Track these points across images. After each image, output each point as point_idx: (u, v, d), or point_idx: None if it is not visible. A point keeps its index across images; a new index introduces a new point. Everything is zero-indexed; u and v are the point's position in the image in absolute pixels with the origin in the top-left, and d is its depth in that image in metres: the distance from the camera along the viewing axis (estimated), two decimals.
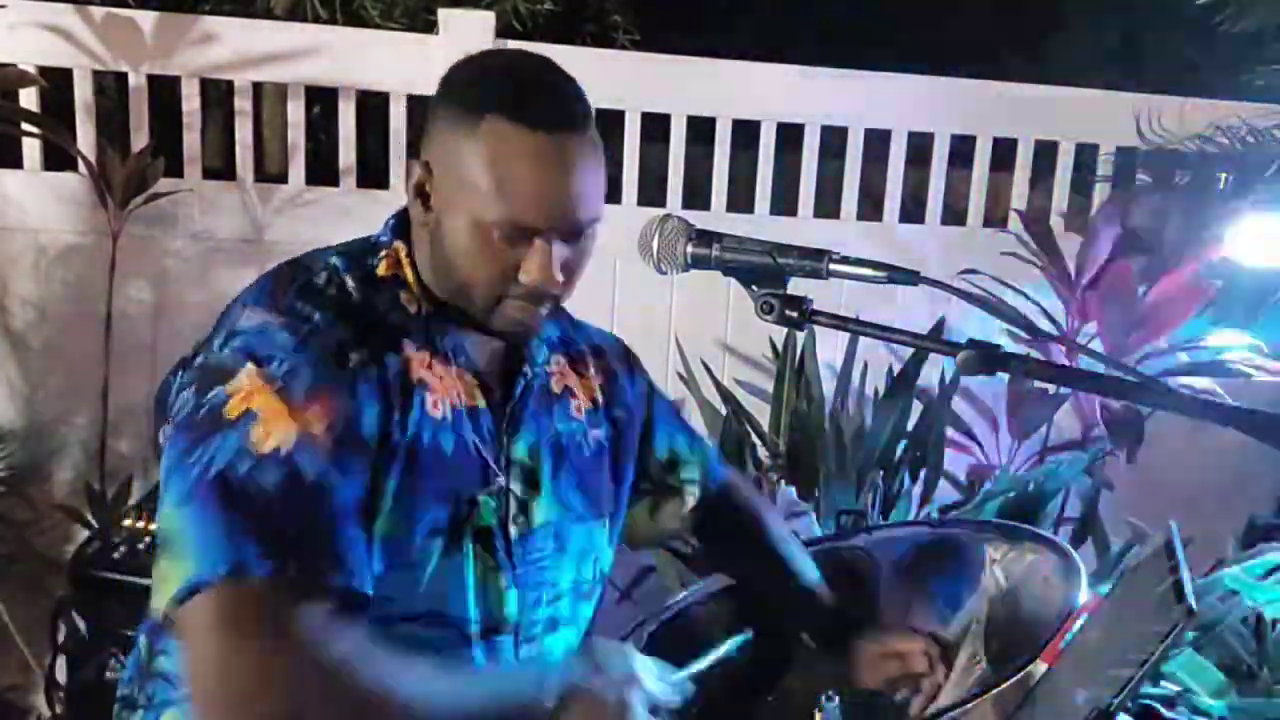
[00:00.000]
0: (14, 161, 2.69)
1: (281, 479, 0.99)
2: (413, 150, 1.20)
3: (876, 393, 2.71)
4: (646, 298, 2.87)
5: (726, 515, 1.49)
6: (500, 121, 1.08)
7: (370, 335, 1.11)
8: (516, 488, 1.20)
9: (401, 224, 1.20)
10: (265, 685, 0.92)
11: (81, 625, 2.28)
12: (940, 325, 2.83)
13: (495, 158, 1.08)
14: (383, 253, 1.18)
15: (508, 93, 1.10)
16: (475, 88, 1.12)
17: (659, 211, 1.13)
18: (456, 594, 1.14)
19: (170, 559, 0.97)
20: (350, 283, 1.14)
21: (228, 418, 1.02)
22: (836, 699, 1.14)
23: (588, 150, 1.11)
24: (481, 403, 1.18)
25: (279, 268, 1.17)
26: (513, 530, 1.19)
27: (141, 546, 2.25)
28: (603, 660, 1.09)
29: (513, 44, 2.80)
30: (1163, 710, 1.20)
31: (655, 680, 1.11)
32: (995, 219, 3.14)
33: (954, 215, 3.20)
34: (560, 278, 1.12)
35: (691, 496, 1.46)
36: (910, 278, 0.99)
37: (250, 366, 1.04)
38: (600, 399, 1.32)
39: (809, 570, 1.46)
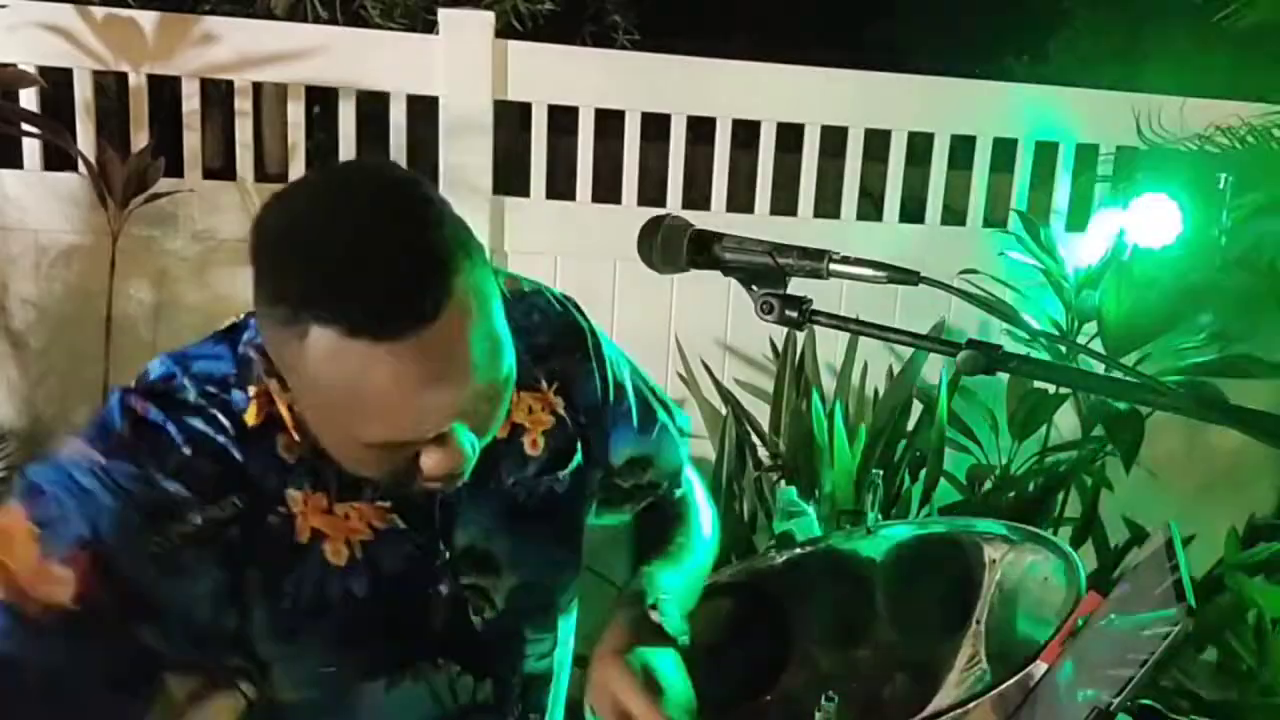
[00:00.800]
0: (14, 161, 2.69)
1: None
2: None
3: (876, 393, 2.71)
4: (646, 298, 2.87)
5: (647, 522, 1.34)
6: (330, 334, 0.83)
7: (237, 488, 0.95)
8: (471, 578, 1.08)
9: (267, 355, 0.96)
10: None
11: None
12: (940, 325, 2.83)
13: (341, 378, 0.84)
14: (250, 390, 0.97)
15: (329, 293, 0.83)
16: (288, 283, 0.85)
17: (659, 211, 1.13)
18: (420, 710, 1.07)
19: None
20: (211, 433, 0.95)
21: None
22: (836, 699, 1.14)
23: (456, 329, 0.86)
24: (399, 523, 1.03)
25: (129, 395, 0.96)
26: (478, 622, 1.10)
27: None
28: None
29: (514, 44, 2.80)
30: (1163, 710, 1.20)
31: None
32: (995, 219, 3.14)
33: (954, 215, 3.20)
34: (473, 453, 0.94)
35: (645, 502, 1.34)
36: (910, 278, 0.99)
37: (22, 502, 0.89)
38: (559, 408, 1.16)
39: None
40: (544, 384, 1.16)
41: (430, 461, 0.92)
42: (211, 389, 0.97)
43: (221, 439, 0.95)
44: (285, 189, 0.92)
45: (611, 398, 1.21)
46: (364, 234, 0.85)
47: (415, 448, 0.92)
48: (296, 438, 0.98)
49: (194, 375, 0.98)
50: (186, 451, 0.93)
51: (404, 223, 0.86)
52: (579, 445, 1.18)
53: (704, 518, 1.38)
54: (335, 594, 1.01)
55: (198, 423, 0.95)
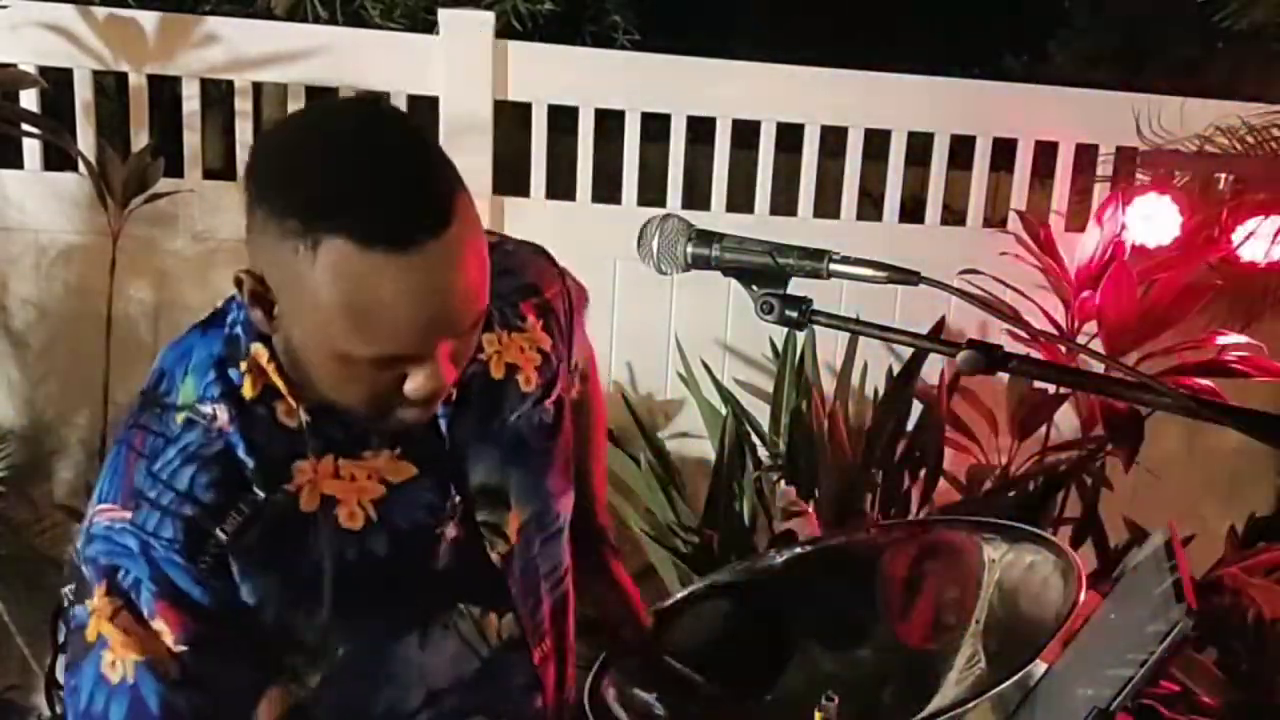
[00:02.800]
0: (14, 161, 2.69)
1: (126, 712, 0.96)
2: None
3: (876, 393, 2.71)
4: (646, 298, 2.87)
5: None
6: (342, 244, 0.87)
7: (246, 484, 0.99)
8: (484, 514, 1.13)
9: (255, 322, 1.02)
10: None
11: None
12: (940, 325, 2.83)
13: (345, 288, 0.89)
14: (243, 364, 1.02)
15: (344, 204, 0.88)
16: (300, 194, 0.90)
17: (659, 211, 1.13)
18: (451, 663, 1.10)
19: None
20: (215, 420, 1.00)
21: (88, 641, 0.97)
22: (836, 699, 1.14)
23: (455, 250, 0.92)
24: (413, 469, 1.07)
25: (129, 432, 1.02)
26: (495, 556, 1.13)
27: None
28: None
29: (514, 44, 2.80)
30: (1163, 710, 1.20)
31: None
32: (995, 219, 3.14)
33: (954, 215, 3.20)
34: (452, 381, 1.00)
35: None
36: (910, 278, 0.99)
37: (100, 585, 0.97)
38: (544, 345, 1.22)
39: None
40: (530, 321, 1.21)
41: (414, 384, 0.96)
42: (210, 378, 1.02)
43: (221, 445, 0.99)
44: (282, 120, 1.02)
45: (572, 331, 1.30)
46: (376, 152, 0.91)
47: (403, 368, 0.95)
48: (293, 403, 1.01)
49: (191, 369, 1.03)
50: (190, 471, 0.98)
51: (409, 145, 0.94)
52: (559, 373, 1.24)
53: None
54: (355, 558, 1.03)
55: (192, 436, 1.00)
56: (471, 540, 1.12)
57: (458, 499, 1.11)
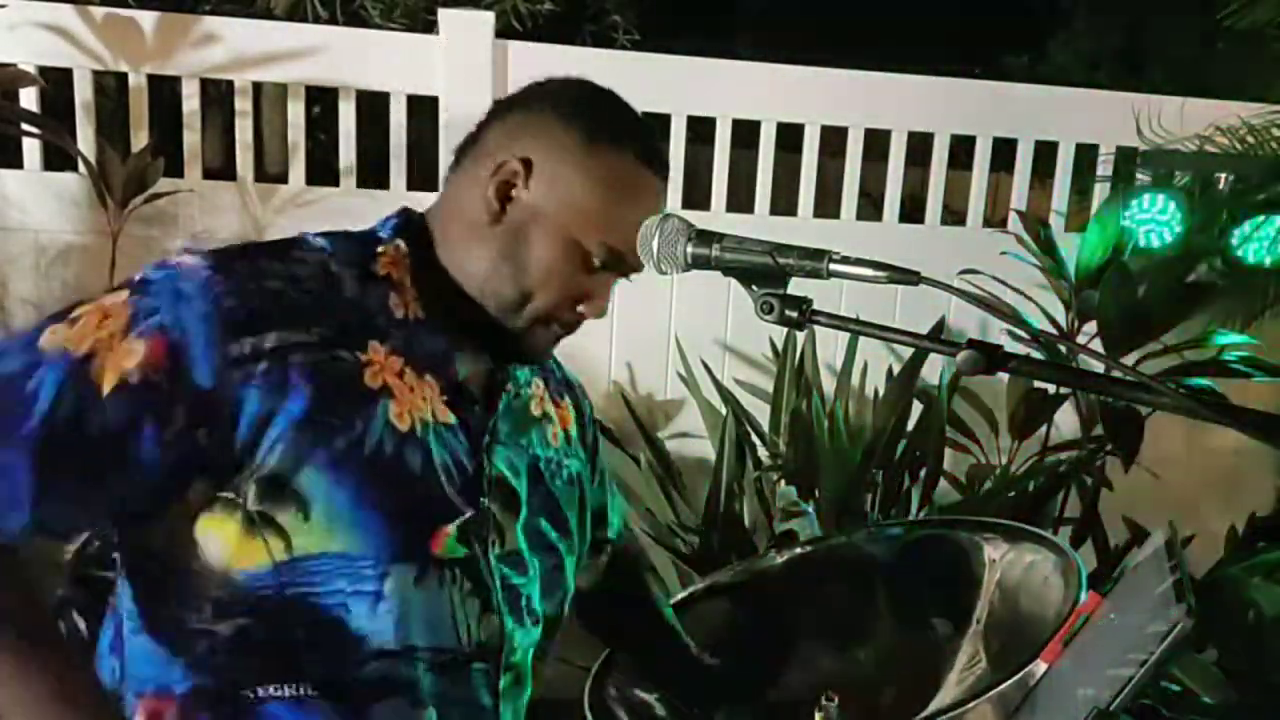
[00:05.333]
0: (14, 161, 2.69)
1: (15, 370, 0.96)
2: (473, 148, 1.18)
3: (876, 393, 2.72)
4: (646, 298, 2.87)
5: (623, 571, 1.47)
6: (630, 157, 1.14)
7: (326, 324, 1.04)
8: (495, 508, 1.14)
9: (407, 224, 1.16)
10: None
11: (81, 625, 2.28)
12: (940, 325, 2.83)
13: (620, 188, 1.13)
14: (380, 249, 1.13)
15: (638, 132, 1.18)
16: (605, 116, 1.17)
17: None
18: (431, 623, 1.08)
19: None
20: (333, 267, 1.09)
21: (65, 313, 1.01)
22: (836, 699, 1.14)
23: (663, 191, 1.19)
24: (453, 419, 1.12)
25: (248, 245, 1.13)
26: (491, 553, 1.13)
27: None
28: None
29: (514, 44, 2.80)
30: (1163, 710, 1.20)
31: None
32: (995, 219, 3.14)
33: (954, 215, 3.20)
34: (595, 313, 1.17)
35: (605, 554, 1.44)
36: (910, 278, 0.99)
37: (125, 292, 1.01)
38: (573, 432, 1.31)
39: (680, 631, 1.44)
40: (566, 402, 1.32)
41: (599, 295, 1.15)
42: (345, 246, 1.12)
43: (317, 285, 1.07)
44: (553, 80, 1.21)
45: (595, 450, 1.39)
46: (637, 114, 1.24)
47: (594, 282, 1.14)
48: (409, 297, 1.11)
49: (334, 236, 1.13)
50: (278, 283, 1.04)
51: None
52: (580, 464, 1.31)
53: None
54: (391, 455, 1.06)
55: (300, 269, 1.07)
56: (484, 521, 1.13)
57: (489, 476, 1.14)
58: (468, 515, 1.10)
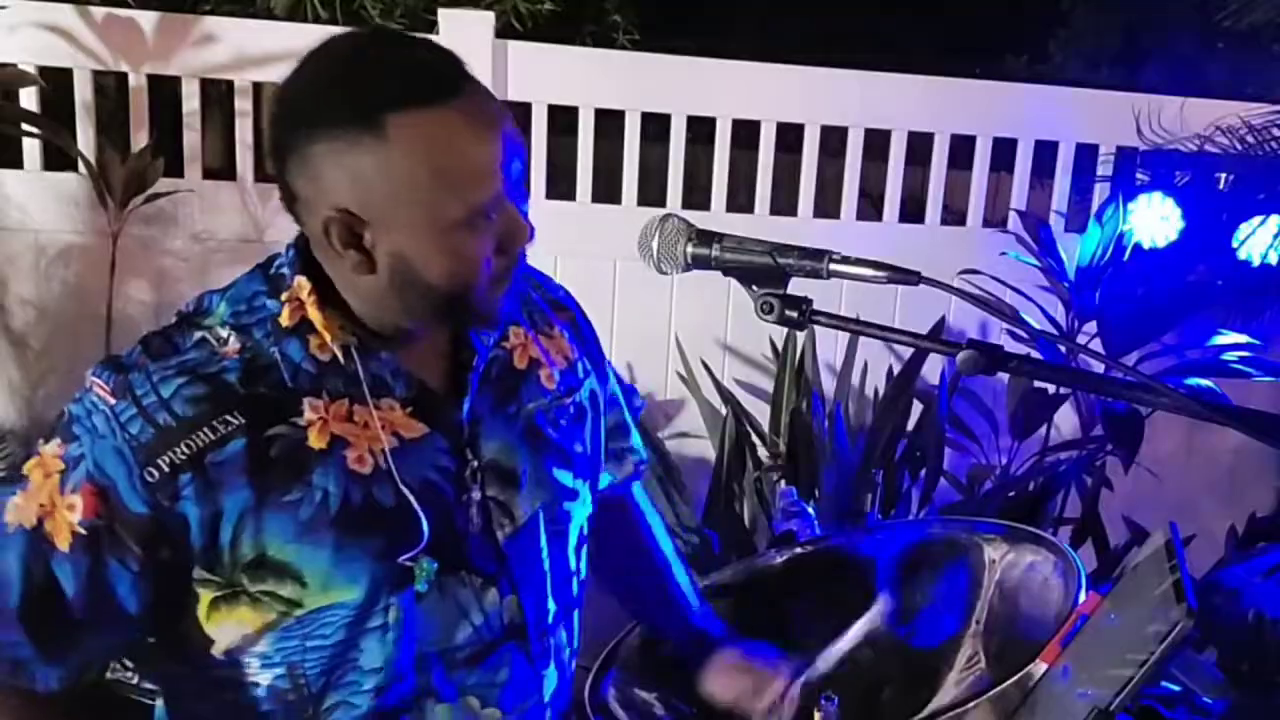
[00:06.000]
0: (14, 161, 2.69)
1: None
2: (295, 213, 1.08)
3: (876, 393, 2.71)
4: (646, 298, 2.87)
5: (629, 508, 1.47)
6: (406, 115, 0.97)
7: (243, 409, 1.02)
8: (494, 491, 1.14)
9: (304, 256, 1.09)
10: None
11: None
12: (940, 325, 2.83)
13: (427, 150, 0.98)
14: (283, 295, 1.07)
15: (392, 81, 0.98)
16: (348, 96, 0.99)
17: (659, 211, 1.13)
18: (446, 629, 1.10)
19: None
20: (233, 343, 1.04)
21: (19, 473, 1.04)
22: (836, 699, 1.14)
23: (491, 98, 1.04)
24: (423, 429, 1.09)
25: (152, 335, 1.07)
26: (500, 535, 1.13)
27: None
28: None
29: (514, 44, 2.80)
30: (1163, 710, 1.20)
31: None
32: (995, 219, 3.14)
33: (954, 215, 3.20)
34: (529, 224, 1.07)
35: (630, 464, 1.43)
36: (910, 278, 0.99)
37: (56, 442, 1.03)
38: (572, 353, 1.26)
39: (682, 574, 1.45)
40: (558, 331, 1.26)
41: (513, 231, 1.05)
42: (242, 307, 1.07)
43: (217, 367, 1.03)
44: (283, 83, 1.05)
45: (601, 360, 1.34)
46: (378, 39, 1.08)
47: (490, 230, 1.03)
48: (327, 336, 1.06)
49: (232, 298, 1.08)
50: (178, 382, 1.02)
51: (411, 35, 1.09)
52: (583, 385, 1.28)
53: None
54: (359, 503, 1.05)
55: (195, 354, 1.04)
56: (480, 513, 1.13)
57: (475, 464, 1.13)
58: (460, 527, 1.11)
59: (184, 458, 1.00)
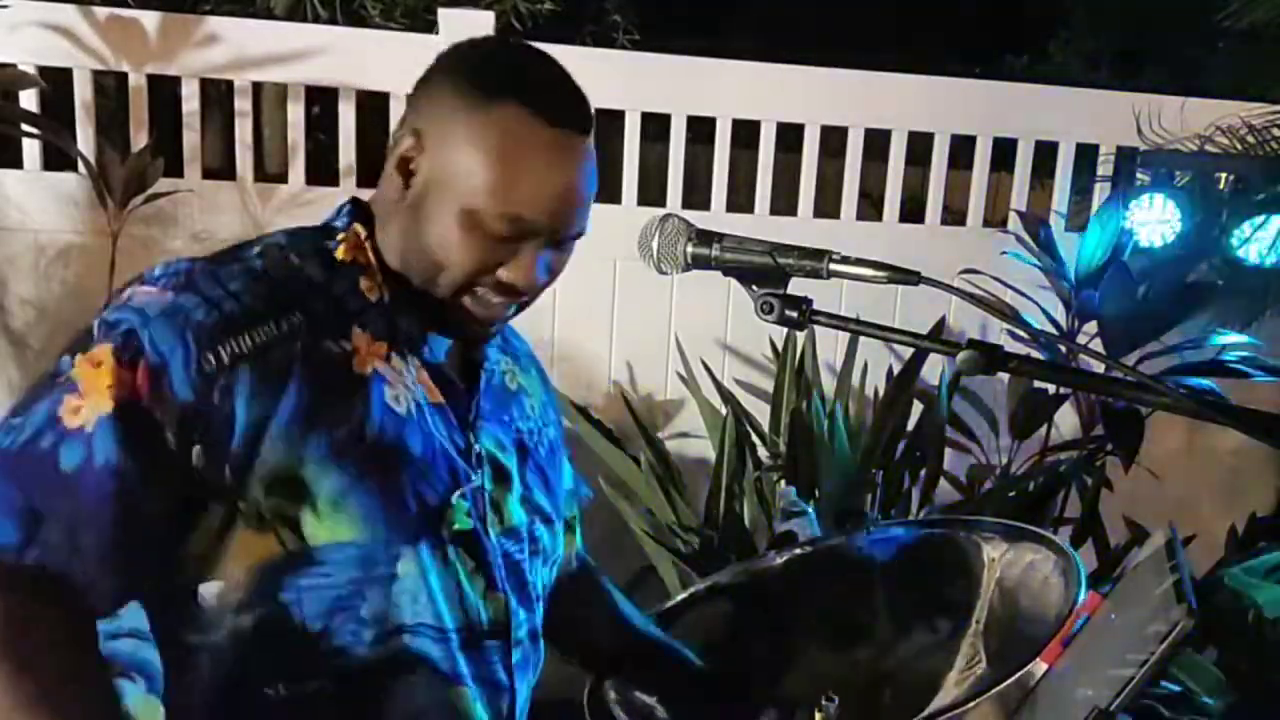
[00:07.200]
0: (14, 161, 2.69)
1: (81, 462, 0.94)
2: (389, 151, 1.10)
3: (876, 393, 2.72)
4: (646, 298, 2.87)
5: (584, 579, 1.41)
6: (516, 109, 1.03)
7: (303, 314, 1.02)
8: (489, 484, 1.14)
9: (359, 210, 1.14)
10: None
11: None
12: (940, 325, 2.83)
13: (506, 146, 1.03)
14: (339, 236, 1.11)
15: (527, 81, 1.06)
16: (491, 69, 1.07)
17: (659, 211, 1.13)
18: (439, 602, 1.08)
19: None
20: (294, 259, 1.07)
21: (55, 383, 0.97)
22: (836, 699, 1.14)
23: (590, 155, 1.08)
24: (442, 399, 1.11)
25: (198, 259, 1.06)
26: (490, 531, 1.13)
27: None
28: None
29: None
30: (1163, 710, 1.20)
31: None
32: (995, 219, 3.14)
33: (954, 215, 3.20)
34: (542, 282, 1.09)
35: (574, 534, 1.38)
36: (910, 278, 0.99)
37: (106, 343, 0.97)
38: (543, 399, 1.30)
39: (658, 637, 1.39)
40: (534, 373, 1.30)
41: (519, 265, 1.06)
42: (301, 239, 1.10)
43: (282, 274, 1.05)
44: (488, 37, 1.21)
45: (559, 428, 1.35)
46: (550, 60, 1.10)
47: (511, 247, 1.06)
48: (379, 280, 1.09)
49: (288, 232, 1.11)
50: (243, 280, 1.02)
51: (571, 74, 1.11)
52: (555, 425, 1.31)
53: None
54: (392, 438, 1.05)
55: (259, 261, 1.05)
56: (480, 500, 1.13)
57: (478, 449, 1.13)
58: (472, 485, 1.11)
59: (247, 348, 0.98)
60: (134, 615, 1.04)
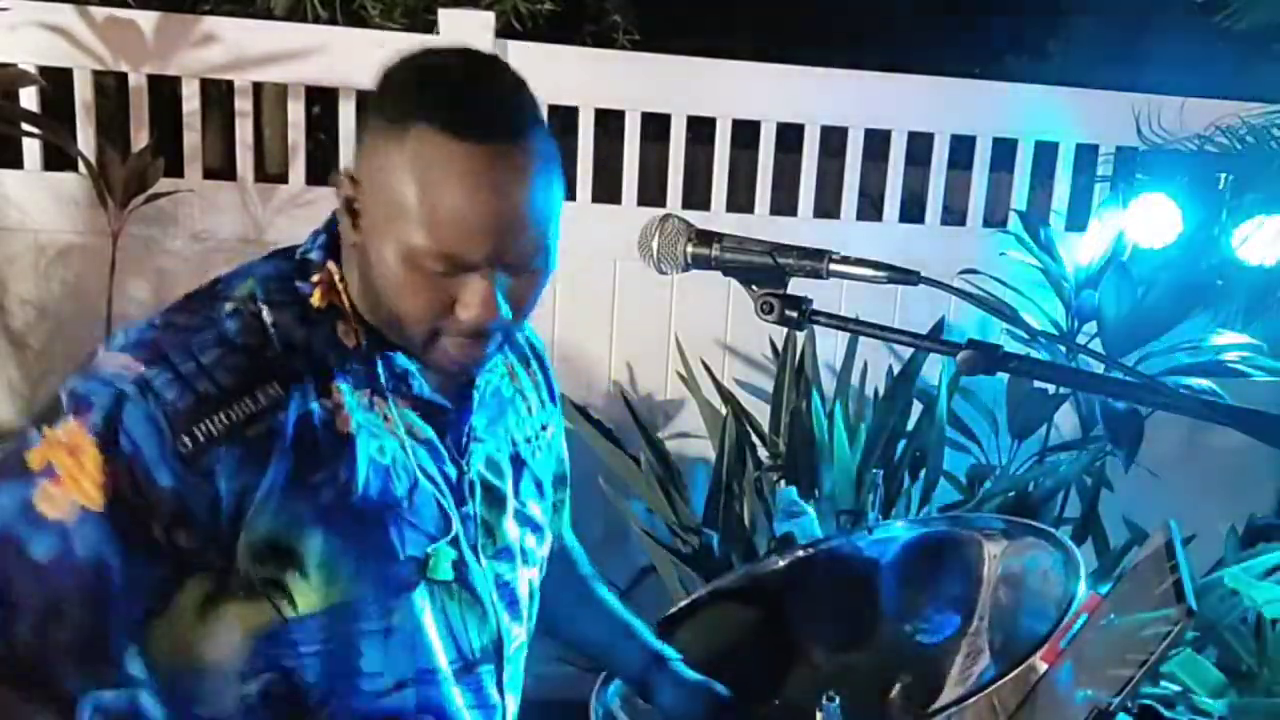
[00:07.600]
0: (14, 161, 2.69)
1: (53, 554, 0.92)
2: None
3: (876, 393, 2.71)
4: (646, 298, 2.87)
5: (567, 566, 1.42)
6: (427, 130, 0.94)
7: (280, 385, 0.99)
8: (481, 510, 1.13)
9: (333, 239, 1.07)
10: None
11: None
12: (940, 325, 2.83)
13: (422, 173, 0.94)
14: (315, 277, 1.05)
15: (438, 95, 0.96)
16: (405, 90, 0.98)
17: (659, 211, 1.13)
18: (435, 644, 1.08)
19: None
20: (268, 317, 1.01)
21: (26, 466, 0.94)
22: (836, 699, 1.14)
23: (529, 164, 0.96)
24: (430, 432, 1.08)
25: (170, 312, 1.03)
26: (482, 557, 1.12)
27: None
28: None
29: (514, 44, 2.80)
30: (1163, 710, 1.20)
31: None
32: (995, 219, 3.14)
33: (954, 215, 3.20)
34: (507, 313, 1.00)
35: (559, 514, 1.38)
36: (910, 278, 0.99)
37: (75, 419, 0.94)
38: (543, 394, 1.28)
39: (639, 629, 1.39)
40: (534, 366, 1.28)
41: (466, 305, 0.98)
42: (272, 285, 1.04)
43: (256, 339, 1.00)
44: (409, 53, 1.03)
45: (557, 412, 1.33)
46: (471, 60, 1.00)
47: (461, 282, 0.97)
48: (355, 324, 1.05)
49: (259, 276, 1.05)
50: (215, 353, 0.98)
51: (502, 71, 1.01)
52: (553, 422, 1.30)
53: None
54: (378, 493, 1.03)
55: (232, 324, 1.00)
56: (473, 526, 1.12)
57: (471, 480, 1.12)
58: (453, 533, 1.09)
59: (223, 428, 0.95)
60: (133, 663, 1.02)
